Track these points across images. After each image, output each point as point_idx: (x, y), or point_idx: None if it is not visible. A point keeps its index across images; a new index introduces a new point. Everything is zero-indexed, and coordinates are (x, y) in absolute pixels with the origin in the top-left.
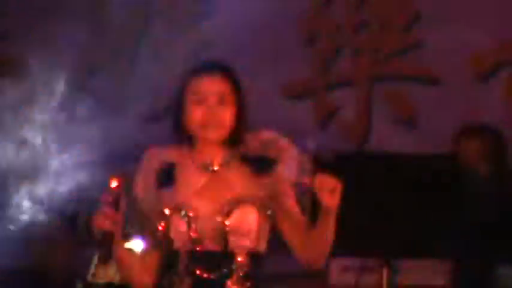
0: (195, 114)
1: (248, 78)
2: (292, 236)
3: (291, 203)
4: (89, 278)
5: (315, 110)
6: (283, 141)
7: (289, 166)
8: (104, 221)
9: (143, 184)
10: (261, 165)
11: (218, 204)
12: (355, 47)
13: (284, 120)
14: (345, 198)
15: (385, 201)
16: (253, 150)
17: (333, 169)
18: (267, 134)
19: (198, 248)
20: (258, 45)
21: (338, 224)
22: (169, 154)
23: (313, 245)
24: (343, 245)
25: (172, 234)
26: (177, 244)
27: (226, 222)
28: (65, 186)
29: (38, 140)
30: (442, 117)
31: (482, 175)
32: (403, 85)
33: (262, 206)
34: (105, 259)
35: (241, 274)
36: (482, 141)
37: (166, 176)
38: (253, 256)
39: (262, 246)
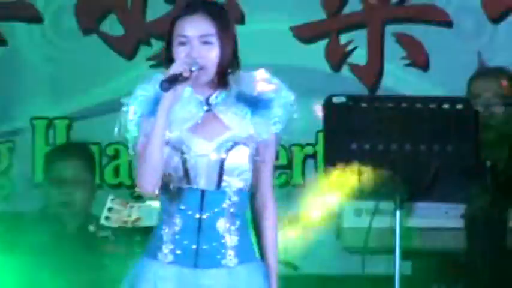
0: (180, 55)
1: (261, 20)
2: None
3: (268, 156)
4: (102, 221)
5: (328, 53)
6: (277, 83)
7: (280, 109)
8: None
9: (136, 109)
10: (256, 104)
11: (213, 142)
12: None
13: (297, 64)
14: (357, 141)
15: (397, 144)
16: (248, 89)
17: (345, 111)
18: (261, 74)
19: (190, 186)
20: None
21: (351, 166)
22: None
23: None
24: (356, 188)
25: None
26: (169, 181)
27: (223, 161)
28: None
29: None
30: (454, 59)
31: (497, 117)
32: (415, 27)
33: (253, 147)
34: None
35: (232, 213)
36: (497, 83)
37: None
38: (243, 195)
39: (248, 186)
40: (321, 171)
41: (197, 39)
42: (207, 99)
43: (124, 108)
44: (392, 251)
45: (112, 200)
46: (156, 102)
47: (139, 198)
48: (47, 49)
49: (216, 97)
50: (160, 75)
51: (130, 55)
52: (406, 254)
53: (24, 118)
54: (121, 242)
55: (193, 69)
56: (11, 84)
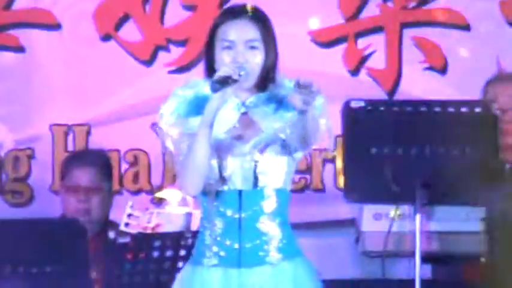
0: (225, 60)
1: (278, 25)
2: None
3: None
4: (122, 227)
5: (345, 57)
6: (315, 88)
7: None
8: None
9: (172, 109)
10: (283, 102)
11: (248, 144)
12: None
13: (315, 68)
14: (376, 145)
15: (416, 147)
16: (281, 91)
17: (363, 116)
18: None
19: (227, 187)
20: None
21: (371, 170)
22: (205, 88)
23: None
24: (375, 192)
25: None
26: (207, 184)
27: (257, 163)
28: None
29: None
30: (472, 63)
31: None
32: (433, 31)
33: (289, 147)
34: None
35: (271, 211)
36: None
37: (197, 108)
38: (281, 194)
39: (288, 186)
40: (340, 175)
41: (243, 44)
42: (243, 103)
43: (161, 111)
44: (412, 254)
45: (131, 206)
46: (194, 103)
47: (159, 204)
48: (65, 55)
49: (253, 100)
50: (198, 80)
51: (148, 61)
52: (426, 258)
53: (43, 125)
54: (141, 248)
55: (241, 73)
56: (29, 91)
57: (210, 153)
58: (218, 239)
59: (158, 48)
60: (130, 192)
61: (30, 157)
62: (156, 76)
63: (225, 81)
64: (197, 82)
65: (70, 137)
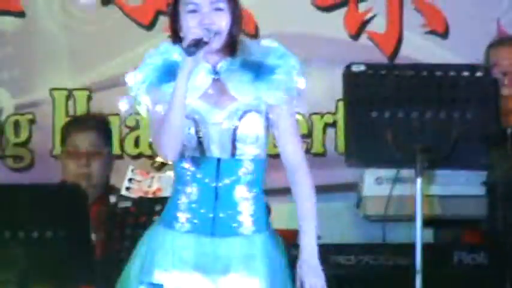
0: (191, 23)
1: None
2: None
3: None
4: (123, 191)
5: (346, 21)
6: (283, 50)
7: (285, 75)
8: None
9: (145, 77)
10: (259, 70)
11: (225, 110)
12: None
13: (316, 32)
14: (377, 109)
15: (416, 112)
16: (253, 57)
17: (364, 80)
18: (267, 42)
19: (205, 155)
20: None
21: (372, 134)
22: (173, 54)
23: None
24: (376, 156)
25: None
26: (184, 150)
27: (236, 129)
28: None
29: None
30: (474, 27)
31: None
32: None
33: (264, 113)
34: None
35: (248, 181)
36: None
37: (167, 74)
38: (258, 164)
39: (264, 154)
40: (341, 139)
41: (208, 6)
42: (214, 67)
43: (130, 80)
44: (413, 219)
45: (133, 170)
46: (164, 70)
47: (159, 168)
48: (66, 20)
49: (224, 65)
50: (166, 45)
51: (149, 25)
52: (427, 222)
53: (43, 89)
54: (142, 212)
55: (211, 35)
56: (30, 55)
57: (188, 121)
58: (193, 205)
59: (159, 13)
60: (131, 157)
61: (31, 122)
62: (157, 41)
63: (198, 44)
64: (166, 48)
65: (71, 102)
